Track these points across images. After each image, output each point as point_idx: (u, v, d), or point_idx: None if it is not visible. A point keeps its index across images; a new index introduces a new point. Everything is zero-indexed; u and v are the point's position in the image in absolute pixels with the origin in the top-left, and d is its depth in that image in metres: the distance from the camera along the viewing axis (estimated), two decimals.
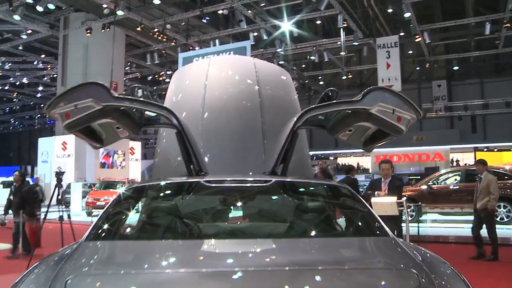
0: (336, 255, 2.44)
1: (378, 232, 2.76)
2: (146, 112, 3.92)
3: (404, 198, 6.10)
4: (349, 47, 25.69)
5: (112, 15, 21.41)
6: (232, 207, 3.28)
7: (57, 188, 7.65)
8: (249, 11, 21.12)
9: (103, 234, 2.78)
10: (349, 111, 3.60)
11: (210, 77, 4.47)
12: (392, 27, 24.19)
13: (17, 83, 34.72)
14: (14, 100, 40.25)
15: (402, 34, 22.95)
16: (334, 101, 3.77)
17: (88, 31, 22.55)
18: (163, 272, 2.14)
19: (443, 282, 1.99)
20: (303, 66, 32.71)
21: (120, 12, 19.96)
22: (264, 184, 3.19)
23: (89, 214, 16.67)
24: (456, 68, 30.05)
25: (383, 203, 5.97)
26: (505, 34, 22.82)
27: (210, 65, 4.70)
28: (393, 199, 6.03)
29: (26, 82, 33.87)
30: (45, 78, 33.12)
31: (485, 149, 32.21)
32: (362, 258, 2.47)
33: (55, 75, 31.28)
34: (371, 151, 4.33)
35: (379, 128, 3.55)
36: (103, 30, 22.51)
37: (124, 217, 3.05)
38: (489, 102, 29.95)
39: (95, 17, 23.40)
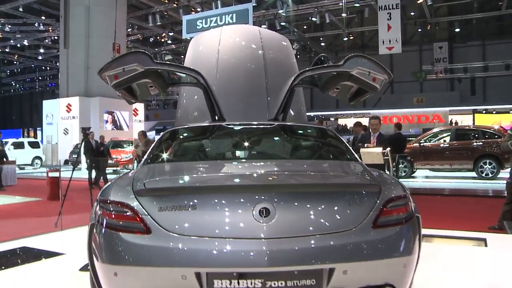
0: (316, 166, 3.58)
1: (348, 157, 3.76)
2: (172, 74, 4.85)
3: (388, 149, 6.59)
4: (350, 9, 25.57)
5: None
6: (246, 141, 4.15)
7: (83, 142, 8.34)
8: None
9: (155, 160, 3.70)
10: (335, 73, 4.55)
11: (222, 44, 5.34)
12: None
13: (18, 46, 34.57)
14: (15, 62, 40.12)
15: None
16: (324, 65, 4.70)
17: None
18: (206, 171, 3.34)
19: (387, 185, 2.82)
20: (305, 27, 32.55)
21: None
22: (269, 126, 4.30)
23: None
24: (457, 30, 29.92)
25: (370, 153, 6.63)
26: None
27: (222, 34, 5.55)
28: (379, 149, 6.65)
29: (27, 44, 33.74)
30: (46, 40, 32.98)
31: (484, 111, 32.50)
32: (334, 167, 3.53)
33: (56, 37, 31.18)
34: (355, 105, 5.08)
35: (359, 86, 4.52)
36: None
37: (167, 150, 3.93)
38: (489, 65, 29.94)
39: None
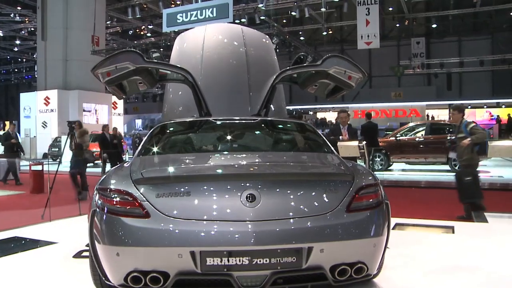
0: (296, 157, 3.99)
1: (325, 150, 4.08)
2: (161, 71, 5.05)
3: (364, 142, 6.96)
4: (329, 3, 25.83)
5: None
6: (232, 135, 4.41)
7: (69, 135, 8.37)
8: None
9: (148, 152, 3.99)
10: (314, 72, 4.90)
11: (206, 41, 5.61)
12: None
13: None
14: None
15: None
16: (304, 65, 5.11)
17: None
18: (197, 162, 3.66)
19: (360, 175, 3.17)
20: (284, 21, 32.76)
21: None
22: (252, 121, 4.61)
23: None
24: (434, 25, 30.55)
25: (348, 146, 7.05)
26: None
27: (206, 32, 5.82)
28: (355, 142, 7.08)
29: (2, 35, 33.19)
30: (23, 32, 32.49)
31: None
32: (312, 159, 3.91)
33: (32, 29, 30.76)
34: (333, 101, 5.46)
35: (336, 84, 4.88)
36: None
37: (158, 143, 4.22)
38: (464, 60, 30.68)
39: None
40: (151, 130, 4.45)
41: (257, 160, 3.60)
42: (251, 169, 3.28)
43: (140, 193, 2.81)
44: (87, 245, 3.30)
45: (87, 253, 3.60)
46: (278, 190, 2.89)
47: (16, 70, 44.33)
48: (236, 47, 5.66)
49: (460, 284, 3.52)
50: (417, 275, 3.73)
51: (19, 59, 41.20)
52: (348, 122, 7.97)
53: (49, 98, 25.06)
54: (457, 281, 3.58)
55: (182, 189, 2.82)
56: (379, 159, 13.68)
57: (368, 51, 34.61)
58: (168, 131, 4.61)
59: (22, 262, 4.33)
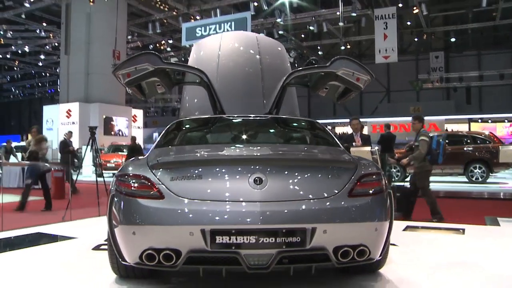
0: (303, 147, 4.26)
1: (333, 144, 4.18)
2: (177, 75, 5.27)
3: (376, 148, 7.17)
4: (347, 18, 26.01)
5: None
6: (244, 129, 4.59)
7: (90, 140, 8.45)
8: None
9: (164, 145, 4.13)
10: (323, 74, 5.03)
11: (222, 49, 5.80)
12: None
13: (19, 52, 34.94)
14: (15, 68, 40.43)
15: (400, 5, 23.24)
16: (313, 66, 5.19)
17: (91, 0, 22.86)
18: (209, 150, 3.84)
19: (363, 164, 3.30)
20: (302, 36, 33.03)
21: None
22: (264, 118, 4.84)
23: (100, 175, 17.58)
24: (453, 39, 30.41)
25: (361, 151, 7.15)
26: (502, 6, 23.19)
27: (222, 39, 6.00)
28: (368, 148, 7.16)
29: (28, 50, 34.12)
30: (47, 47, 33.36)
31: (480, 120, 32.92)
32: (319, 149, 4.11)
33: (56, 44, 31.55)
34: (343, 104, 5.59)
35: (345, 86, 5.01)
36: None
37: (173, 137, 4.39)
38: (483, 74, 30.42)
39: None
40: (167, 127, 4.64)
41: (266, 148, 3.77)
42: (259, 154, 3.44)
43: (156, 177, 3.02)
44: (105, 240, 3.49)
45: (105, 246, 3.78)
46: (284, 174, 3.05)
47: (39, 84, 45.37)
48: (252, 55, 5.84)
49: (462, 280, 3.57)
50: (421, 269, 3.82)
51: (43, 73, 42.23)
52: (363, 132, 8.05)
53: (70, 111, 25.61)
54: (459, 278, 3.64)
55: (194, 173, 3.01)
56: (395, 170, 13.67)
57: (386, 65, 34.58)
58: (183, 127, 4.80)
59: (43, 253, 4.59)
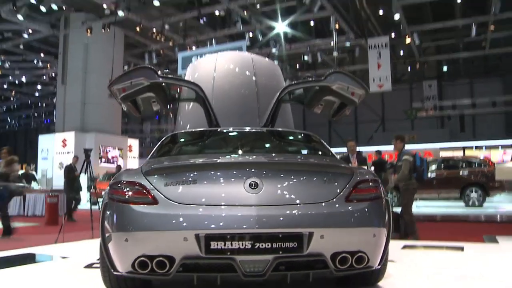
0: (299, 154, 4.24)
1: (329, 155, 4.13)
2: (173, 92, 5.29)
3: (372, 168, 7.12)
4: (342, 48, 26.43)
5: (112, 16, 22.03)
6: (239, 140, 4.55)
7: (85, 163, 8.43)
8: (245, 12, 21.76)
9: (158, 156, 4.08)
10: (318, 89, 5.02)
11: (217, 71, 5.71)
12: (384, 29, 24.91)
13: (16, 82, 35.12)
14: (12, 99, 40.56)
15: (393, 35, 23.63)
16: (308, 80, 5.30)
17: (89, 31, 23.15)
18: (204, 157, 3.81)
19: (360, 172, 3.25)
20: (297, 66, 33.43)
21: (120, 13, 20.59)
22: (258, 131, 4.74)
23: (94, 203, 17.37)
24: (445, 68, 30.85)
25: None
26: (491, 36, 23.65)
27: (217, 60, 5.90)
28: (365, 168, 7.29)
29: (25, 81, 34.31)
30: (44, 77, 33.58)
31: (474, 147, 33.06)
32: (315, 157, 4.09)
33: (53, 74, 31.77)
34: (337, 120, 5.77)
35: (340, 101, 5.00)
36: (103, 30, 23.10)
37: (169, 149, 4.35)
38: (476, 102, 30.75)
39: (95, 17, 23.99)
40: (162, 140, 4.58)
41: (261, 155, 3.73)
42: (255, 159, 3.41)
43: (150, 183, 2.97)
44: (98, 259, 3.41)
45: (98, 265, 3.71)
46: (280, 178, 3.01)
47: (36, 114, 45.42)
48: (247, 77, 5.79)
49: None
50: (421, 282, 3.75)
51: (39, 104, 42.34)
52: (357, 151, 8.08)
53: (66, 140, 25.55)
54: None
55: (189, 178, 2.95)
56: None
57: (381, 95, 34.85)
58: (178, 139, 4.79)
59: (36, 271, 4.49)
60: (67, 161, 24.95)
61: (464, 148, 33.08)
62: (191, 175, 2.99)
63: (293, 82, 5.21)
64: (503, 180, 10.66)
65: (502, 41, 26.11)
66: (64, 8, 23.62)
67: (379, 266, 3.10)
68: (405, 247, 5.65)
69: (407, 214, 6.99)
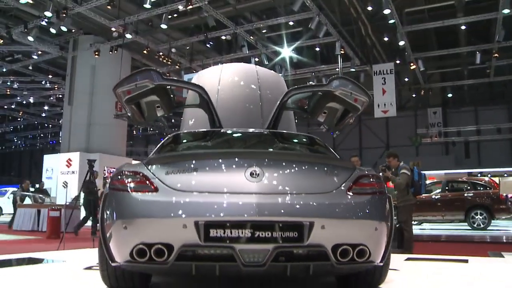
0: (300, 150, 4.16)
1: (332, 155, 4.09)
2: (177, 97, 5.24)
3: None
4: (346, 74, 26.59)
5: (120, 38, 22.37)
6: (241, 140, 4.58)
7: (88, 173, 8.42)
8: (251, 37, 22.05)
9: (160, 152, 4.04)
10: (321, 95, 4.98)
11: (221, 83, 5.68)
12: (389, 55, 25.13)
13: (24, 102, 35.49)
14: (19, 119, 40.91)
15: (398, 62, 23.81)
16: (311, 84, 4.98)
17: (96, 53, 23.48)
18: (207, 153, 3.63)
19: (361, 168, 3.25)
20: None
21: (128, 36, 20.91)
22: (261, 132, 4.76)
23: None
24: (450, 95, 30.96)
25: None
26: (495, 63, 23.81)
27: (222, 72, 5.87)
28: None
29: (32, 101, 34.67)
30: (51, 98, 33.94)
31: (479, 175, 32.88)
32: (316, 155, 4.00)
33: (60, 95, 32.13)
34: (341, 131, 5.68)
35: (343, 107, 4.94)
36: (110, 52, 23.41)
37: (171, 149, 4.28)
38: (481, 128, 30.74)
39: (103, 40, 24.36)
40: (164, 140, 4.58)
41: (263, 148, 3.76)
42: (256, 149, 3.48)
43: (151, 172, 2.98)
44: (97, 263, 3.37)
45: (97, 267, 3.67)
46: (281, 169, 3.01)
47: (41, 135, 45.72)
48: (252, 90, 5.76)
49: None
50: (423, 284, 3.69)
51: (46, 124, 42.66)
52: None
53: (71, 160, 25.63)
54: None
55: (190, 166, 2.98)
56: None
57: (385, 121, 35.01)
58: (179, 139, 4.80)
59: (35, 271, 4.55)
60: (71, 181, 25.18)
61: (469, 175, 32.89)
62: (192, 164, 3.02)
63: (294, 87, 5.15)
64: (507, 195, 10.53)
65: (507, 69, 26.22)
66: (73, 31, 24.02)
67: (381, 263, 3.04)
68: (408, 259, 5.59)
69: (406, 231, 6.90)
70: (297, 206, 2.78)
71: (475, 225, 12.77)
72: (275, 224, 2.70)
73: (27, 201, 15.09)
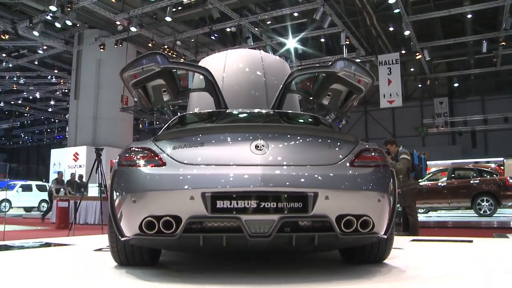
0: (303, 130, 3.83)
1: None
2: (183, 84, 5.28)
3: None
4: None
5: (125, 32, 22.42)
6: (246, 117, 4.58)
7: (96, 162, 8.37)
8: (256, 29, 22.04)
9: (167, 129, 4.14)
10: (324, 77, 5.00)
11: (226, 70, 5.73)
12: (394, 45, 25.03)
13: (30, 98, 35.71)
14: (26, 114, 41.17)
15: (403, 51, 23.72)
16: (314, 65, 5.06)
17: (102, 47, 23.56)
18: (213, 127, 3.71)
19: (365, 144, 3.25)
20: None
21: (133, 29, 20.95)
22: (267, 112, 4.74)
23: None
24: (456, 85, 30.81)
25: None
26: (502, 52, 23.65)
27: (227, 58, 5.93)
28: None
29: (38, 97, 34.88)
30: (57, 93, 34.12)
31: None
32: (320, 129, 4.03)
33: (66, 90, 32.31)
34: (345, 115, 5.64)
35: (347, 89, 4.97)
36: (115, 46, 23.48)
37: (180, 125, 4.40)
38: (488, 118, 30.59)
39: (108, 34, 24.42)
40: (170, 120, 4.64)
41: (268, 122, 3.81)
42: (262, 123, 3.54)
43: (158, 147, 3.07)
44: (107, 246, 3.43)
45: (107, 249, 3.75)
46: (285, 141, 3.09)
47: (48, 130, 45.99)
48: (257, 76, 5.80)
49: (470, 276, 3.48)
50: (429, 266, 3.73)
51: (52, 119, 42.91)
52: None
53: (78, 154, 25.81)
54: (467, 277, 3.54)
55: (197, 140, 3.06)
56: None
57: (391, 112, 34.92)
58: (185, 119, 4.83)
59: (51, 253, 4.70)
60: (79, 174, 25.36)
61: (475, 164, 32.76)
62: (198, 138, 3.10)
63: (298, 68, 5.19)
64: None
65: None
66: (78, 25, 24.11)
67: (385, 236, 3.09)
68: (413, 240, 5.64)
69: (411, 216, 6.90)
70: (302, 178, 2.84)
71: (481, 212, 12.75)
72: (280, 195, 2.76)
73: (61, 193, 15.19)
